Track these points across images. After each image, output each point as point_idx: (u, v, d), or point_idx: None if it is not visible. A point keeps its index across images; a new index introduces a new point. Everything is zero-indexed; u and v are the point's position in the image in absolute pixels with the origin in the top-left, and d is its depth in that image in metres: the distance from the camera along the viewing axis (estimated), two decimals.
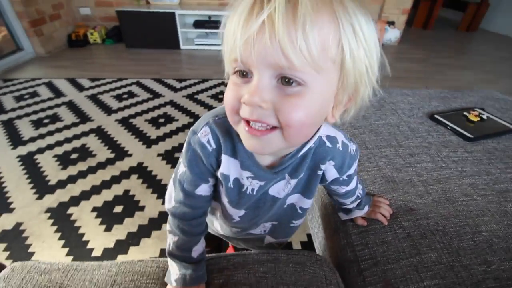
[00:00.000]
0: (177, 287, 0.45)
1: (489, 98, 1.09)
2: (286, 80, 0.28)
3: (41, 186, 1.25)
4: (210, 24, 3.00)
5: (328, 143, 0.43)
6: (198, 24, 3.00)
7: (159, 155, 1.46)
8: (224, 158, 0.40)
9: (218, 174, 0.42)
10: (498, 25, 4.30)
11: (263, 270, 0.49)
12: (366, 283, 0.51)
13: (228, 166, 0.40)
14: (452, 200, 0.64)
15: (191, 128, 0.42)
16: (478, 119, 0.90)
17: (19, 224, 1.07)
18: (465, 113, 0.93)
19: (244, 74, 0.30)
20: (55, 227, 1.06)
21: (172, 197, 0.46)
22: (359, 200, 0.58)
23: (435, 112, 0.99)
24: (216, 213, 0.55)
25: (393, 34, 3.30)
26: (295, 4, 0.25)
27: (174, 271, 0.47)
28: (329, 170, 0.46)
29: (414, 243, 0.55)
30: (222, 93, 2.13)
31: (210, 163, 0.41)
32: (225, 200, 0.46)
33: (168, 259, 0.48)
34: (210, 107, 1.93)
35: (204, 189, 0.44)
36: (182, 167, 0.43)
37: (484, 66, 2.86)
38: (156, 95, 2.09)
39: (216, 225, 0.60)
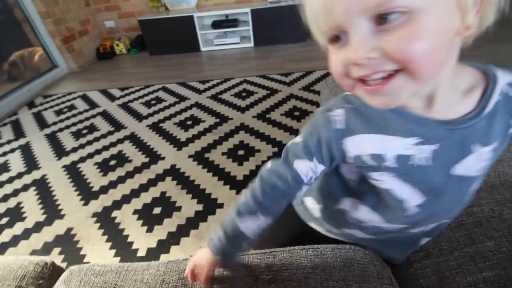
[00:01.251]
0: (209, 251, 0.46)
1: None
2: (384, 16, 0.25)
3: (86, 193, 1.34)
4: (227, 23, 3.02)
5: None
6: (216, 24, 3.02)
7: (190, 156, 1.50)
8: (368, 138, 0.36)
9: (363, 157, 0.37)
10: None
11: (311, 266, 0.48)
12: (417, 275, 0.48)
13: (381, 145, 0.36)
14: (507, 185, 0.58)
15: (325, 106, 0.40)
16: None
17: (69, 229, 1.16)
18: None
19: (338, 38, 0.28)
20: (101, 230, 1.13)
21: (270, 163, 0.45)
22: None
23: None
24: (367, 214, 0.45)
25: None
26: None
27: (215, 231, 0.46)
28: None
29: (468, 232, 0.52)
30: (245, 90, 2.14)
31: (330, 141, 0.38)
32: (388, 177, 0.38)
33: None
34: (234, 106, 1.94)
35: (303, 166, 0.41)
36: (297, 139, 0.42)
37: None
38: (182, 98, 2.14)
39: (354, 230, 0.49)
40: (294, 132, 1.60)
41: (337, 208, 0.47)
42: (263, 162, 1.40)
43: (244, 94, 2.10)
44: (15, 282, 0.47)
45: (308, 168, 0.41)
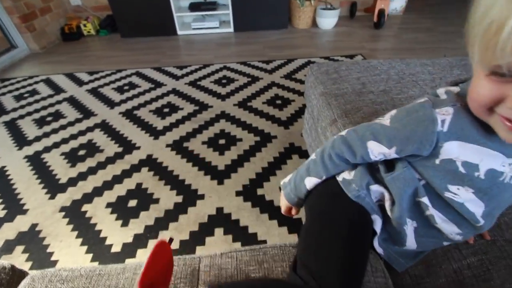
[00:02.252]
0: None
1: None
2: None
3: (52, 185, 1.23)
4: (206, 5, 2.87)
5: None
6: (193, 7, 2.87)
7: (167, 145, 1.43)
8: (470, 148, 0.35)
9: (456, 163, 0.37)
10: None
11: None
12: (407, 268, 0.48)
13: (479, 157, 0.36)
14: None
15: (429, 97, 0.39)
16: None
17: (34, 225, 1.06)
18: None
19: (504, 74, 0.27)
20: (71, 226, 1.05)
21: (346, 131, 0.47)
22: None
23: (459, 81, 0.92)
24: (432, 222, 0.43)
25: (398, 4, 3.13)
26: None
27: (289, 181, 0.57)
28: None
29: None
30: (225, 77, 2.06)
31: (424, 139, 0.37)
32: (465, 193, 0.38)
33: None
34: (214, 93, 1.87)
35: (377, 148, 0.43)
36: (386, 120, 0.43)
37: None
38: (158, 84, 2.02)
39: (409, 238, 0.46)
40: (276, 120, 1.57)
41: (417, 200, 0.43)
42: (245, 151, 1.37)
43: (224, 81, 2.02)
44: None
45: (380, 153, 0.43)
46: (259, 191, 1.16)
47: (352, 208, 0.46)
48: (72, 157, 1.38)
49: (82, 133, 1.56)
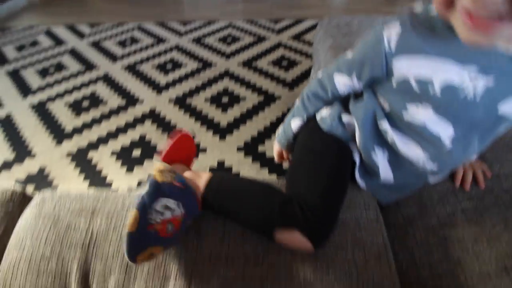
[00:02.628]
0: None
1: None
2: None
3: (58, 133, 1.26)
4: None
5: None
6: None
7: (170, 101, 1.43)
8: (420, 60, 0.34)
9: (409, 81, 0.36)
10: None
11: None
12: (399, 205, 0.51)
13: (431, 69, 0.34)
14: None
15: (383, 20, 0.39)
16: None
17: (42, 168, 1.11)
18: None
19: None
20: (77, 170, 1.09)
21: (321, 72, 0.51)
22: None
23: None
24: (395, 148, 0.44)
25: None
26: None
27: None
28: None
29: None
30: (230, 36, 1.99)
31: (376, 60, 0.38)
32: (424, 111, 0.37)
33: None
34: (219, 52, 1.82)
35: (341, 80, 0.46)
36: (349, 53, 0.45)
37: None
38: (161, 40, 1.96)
39: (383, 168, 0.47)
40: (281, 81, 1.55)
41: (380, 128, 0.44)
42: (248, 110, 1.36)
43: (229, 39, 1.95)
44: None
45: (345, 84, 0.45)
46: (260, 148, 1.18)
47: (330, 139, 0.49)
48: (76, 108, 1.39)
49: (85, 85, 1.55)
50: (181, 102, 1.42)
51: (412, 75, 0.36)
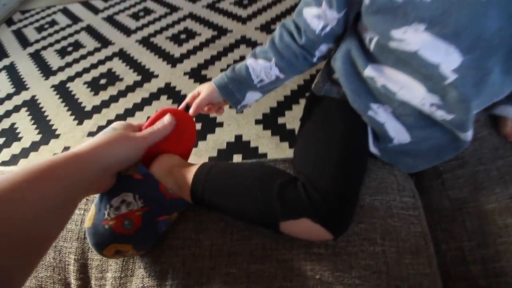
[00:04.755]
0: (211, 84, 0.45)
1: None
2: None
3: (79, 113, 1.27)
4: None
5: None
6: None
7: (185, 73, 1.36)
8: None
9: None
10: None
11: None
12: (446, 186, 0.41)
13: None
14: None
15: None
16: None
17: (66, 148, 1.13)
18: None
19: None
20: None
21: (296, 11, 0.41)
22: None
23: None
24: (392, 95, 0.35)
25: None
26: None
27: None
28: None
29: None
30: None
31: None
32: (415, 34, 0.28)
33: None
34: (234, 16, 1.68)
35: (312, 13, 0.37)
36: None
37: None
38: (173, 8, 1.85)
39: (391, 126, 0.37)
40: None
41: (364, 76, 0.36)
42: None
43: (245, 2, 1.79)
44: None
45: (316, 16, 0.36)
46: (280, 120, 1.09)
47: (329, 104, 0.41)
48: (95, 86, 1.39)
49: (101, 62, 1.53)
50: (196, 75, 1.35)
51: None
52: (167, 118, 0.38)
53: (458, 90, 0.29)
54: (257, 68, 0.42)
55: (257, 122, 1.10)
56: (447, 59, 0.28)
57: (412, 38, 0.28)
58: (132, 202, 0.33)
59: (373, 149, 0.41)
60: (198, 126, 1.12)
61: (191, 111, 0.44)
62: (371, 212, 0.35)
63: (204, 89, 0.46)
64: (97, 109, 1.26)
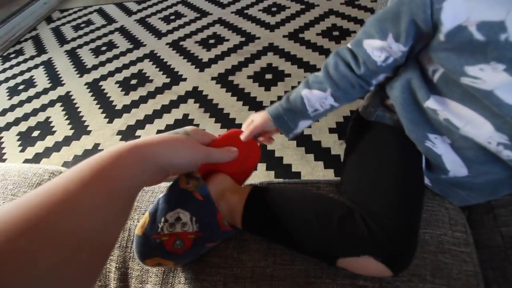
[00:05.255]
0: (265, 113, 0.45)
1: None
2: None
3: (110, 111, 1.31)
4: None
5: None
6: None
7: (213, 78, 1.38)
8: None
9: (468, 28, 0.26)
10: None
11: None
12: (498, 223, 0.38)
13: (502, 8, 0.25)
14: None
15: None
16: None
17: (97, 145, 1.17)
18: None
19: None
20: None
21: (350, 42, 0.40)
22: None
23: None
24: (455, 130, 0.33)
25: None
26: None
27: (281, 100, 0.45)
28: None
29: None
30: (275, 5, 1.83)
31: (416, 8, 0.29)
32: (492, 73, 0.27)
33: None
34: (262, 23, 1.69)
35: (374, 45, 0.35)
36: (379, 12, 0.36)
37: None
38: (203, 13, 1.89)
39: (448, 158, 0.36)
40: None
41: (425, 106, 0.34)
42: (293, 87, 1.25)
43: (274, 9, 1.80)
44: (31, 189, 0.45)
45: (380, 49, 0.34)
46: (306, 131, 1.08)
47: (382, 131, 0.40)
48: (125, 86, 1.44)
49: (133, 63, 1.59)
50: (223, 80, 1.36)
51: (473, 20, 0.25)
52: (234, 151, 0.38)
53: None
54: (312, 99, 0.41)
55: None
56: None
57: (489, 77, 0.27)
58: (187, 223, 0.32)
59: (425, 179, 0.39)
60: (224, 131, 1.13)
61: (243, 136, 0.43)
62: (422, 246, 0.33)
63: (258, 118, 0.46)
64: (127, 109, 1.30)
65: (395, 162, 0.36)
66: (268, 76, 1.34)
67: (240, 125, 1.19)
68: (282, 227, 0.34)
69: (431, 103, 0.33)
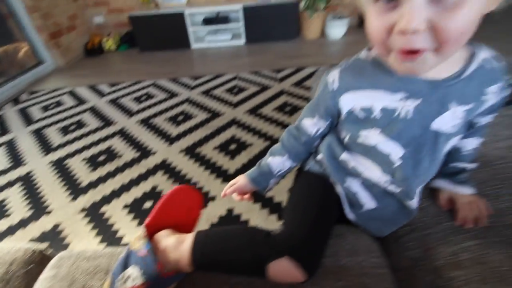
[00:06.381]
0: (245, 176, 0.60)
1: None
2: None
3: (74, 188, 1.31)
4: (219, 20, 3.00)
5: (490, 63, 0.39)
6: (207, 21, 3.01)
7: (181, 151, 1.49)
8: (359, 94, 0.42)
9: (355, 112, 0.44)
10: None
11: None
12: (404, 249, 0.50)
13: (370, 99, 0.42)
14: (488, 164, 0.61)
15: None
16: None
17: (57, 225, 1.13)
18: None
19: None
20: (91, 225, 1.11)
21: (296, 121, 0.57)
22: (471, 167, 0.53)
23: None
24: (360, 173, 0.49)
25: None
26: None
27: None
28: (491, 96, 0.41)
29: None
30: (237, 86, 2.14)
31: (328, 100, 0.46)
32: (374, 134, 0.43)
33: None
34: (226, 102, 1.94)
35: (308, 123, 0.52)
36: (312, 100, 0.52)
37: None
38: (173, 94, 2.12)
39: (362, 195, 0.51)
40: (285, 126, 1.59)
41: (340, 159, 0.51)
42: (255, 156, 1.40)
43: (236, 90, 2.09)
44: (4, 267, 0.46)
45: (312, 125, 0.51)
46: (268, 193, 1.18)
47: (311, 178, 0.56)
48: (93, 162, 1.47)
49: (102, 140, 1.65)
50: (191, 152, 1.48)
51: (357, 106, 0.43)
52: None
53: (402, 171, 0.44)
54: (275, 163, 0.58)
55: None
56: (394, 151, 0.43)
57: (372, 137, 0.44)
58: (137, 277, 0.41)
59: (350, 215, 0.53)
60: None
61: (229, 190, 0.61)
62: (347, 271, 0.43)
63: (241, 180, 0.61)
64: (93, 185, 1.31)
65: (316, 197, 0.51)
66: (232, 147, 1.49)
67: (208, 193, 1.25)
68: (222, 253, 0.44)
69: (344, 156, 0.49)
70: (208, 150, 1.48)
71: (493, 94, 0.41)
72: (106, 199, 1.23)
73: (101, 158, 1.50)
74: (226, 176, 1.29)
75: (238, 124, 1.68)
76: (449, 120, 0.40)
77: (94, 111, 2.00)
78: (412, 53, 0.31)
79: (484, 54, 0.40)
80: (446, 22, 0.28)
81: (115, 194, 1.25)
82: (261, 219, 1.07)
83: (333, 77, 0.44)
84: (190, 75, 2.41)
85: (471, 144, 0.51)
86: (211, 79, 2.30)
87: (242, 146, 1.49)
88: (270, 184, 0.60)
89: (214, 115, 1.80)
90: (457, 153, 0.52)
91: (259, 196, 1.16)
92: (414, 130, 0.41)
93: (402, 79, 0.39)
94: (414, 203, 0.48)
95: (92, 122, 1.86)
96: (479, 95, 0.40)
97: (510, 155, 0.63)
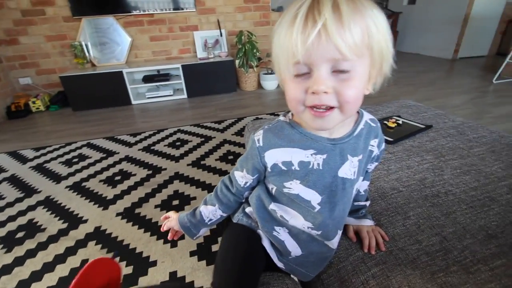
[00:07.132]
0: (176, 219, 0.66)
1: (404, 106, 1.29)
2: (339, 70, 0.38)
3: None
4: (159, 77, 3.11)
5: (372, 123, 0.54)
6: (147, 79, 3.08)
7: (118, 214, 1.39)
8: (280, 151, 0.49)
9: (278, 164, 0.50)
10: (407, 46, 5.14)
11: None
12: (324, 285, 0.55)
13: (289, 155, 0.49)
14: (383, 196, 0.73)
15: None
16: (396, 124, 1.06)
17: None
18: (385, 122, 1.09)
19: (304, 73, 0.40)
20: None
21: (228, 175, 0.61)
22: (367, 203, 0.65)
23: None
24: (286, 222, 0.54)
25: None
26: (340, 13, 0.36)
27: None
28: (374, 147, 0.54)
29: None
30: (179, 140, 2.16)
31: (254, 157, 0.52)
32: (296, 185, 0.50)
33: None
34: (168, 156, 1.93)
35: (238, 175, 0.57)
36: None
37: (404, 80, 3.34)
38: (110, 153, 2.03)
39: (289, 243, 0.56)
40: None
41: (269, 209, 0.56)
42: None
43: (178, 143, 2.11)
44: None
45: (241, 177, 0.56)
46: (214, 247, 1.16)
47: (239, 230, 0.60)
48: (8, 242, 1.26)
49: (22, 213, 1.45)
50: (129, 214, 1.39)
51: (279, 161, 0.50)
52: None
53: (321, 215, 0.51)
54: (207, 212, 0.61)
55: (192, 253, 1.14)
56: (314, 197, 0.51)
57: (294, 187, 0.51)
58: None
59: (278, 263, 0.58)
60: (129, 269, 1.09)
61: (164, 228, 0.68)
62: None
63: (173, 222, 0.67)
64: (7, 270, 1.11)
65: (238, 249, 0.56)
66: (175, 202, 1.45)
67: (148, 258, 1.17)
68: None
69: (272, 206, 0.55)
70: (148, 209, 1.42)
71: (375, 145, 0.55)
72: (24, 285, 1.05)
73: (19, 235, 1.30)
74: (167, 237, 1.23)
75: (181, 178, 1.67)
76: (349, 168, 0.50)
77: (14, 180, 1.77)
78: (323, 111, 0.41)
79: (366, 116, 0.53)
80: (344, 89, 0.39)
81: (36, 277, 1.08)
82: (208, 278, 1.03)
83: (258, 136, 0.51)
84: (129, 132, 2.36)
85: (364, 186, 0.63)
86: (152, 134, 2.29)
87: (186, 200, 1.47)
88: (200, 232, 0.64)
89: (156, 171, 1.76)
90: (356, 195, 0.63)
91: (204, 253, 1.14)
92: (326, 178, 0.49)
93: (311, 139, 0.48)
94: (334, 243, 0.56)
95: (10, 193, 1.64)
96: (365, 147, 0.52)
97: (398, 185, 0.77)
